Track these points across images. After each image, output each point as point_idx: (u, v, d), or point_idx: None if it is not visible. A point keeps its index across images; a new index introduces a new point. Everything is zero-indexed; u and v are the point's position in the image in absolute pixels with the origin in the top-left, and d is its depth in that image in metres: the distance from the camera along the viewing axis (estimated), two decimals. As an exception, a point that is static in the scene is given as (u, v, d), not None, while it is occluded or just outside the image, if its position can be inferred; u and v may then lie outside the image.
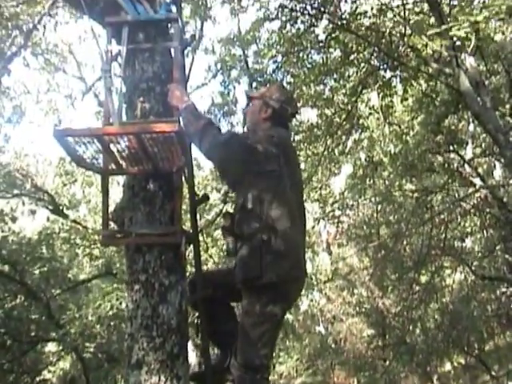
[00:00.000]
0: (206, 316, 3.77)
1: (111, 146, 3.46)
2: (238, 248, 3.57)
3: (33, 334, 13.16)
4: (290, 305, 3.84)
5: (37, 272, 13.16)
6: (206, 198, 4.30)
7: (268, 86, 4.48)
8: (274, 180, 3.55)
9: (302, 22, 11.13)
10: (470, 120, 13.12)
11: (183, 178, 3.84)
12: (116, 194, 11.82)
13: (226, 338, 3.81)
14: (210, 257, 14.18)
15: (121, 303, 11.91)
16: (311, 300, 20.62)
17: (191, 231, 3.95)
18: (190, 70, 11.13)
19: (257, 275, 3.38)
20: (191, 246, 3.87)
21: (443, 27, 6.34)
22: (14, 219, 13.27)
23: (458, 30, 5.66)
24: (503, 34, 11.48)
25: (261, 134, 3.65)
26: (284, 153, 3.65)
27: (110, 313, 12.05)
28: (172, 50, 3.91)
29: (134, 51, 3.90)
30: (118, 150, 3.52)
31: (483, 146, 14.47)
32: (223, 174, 3.82)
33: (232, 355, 3.59)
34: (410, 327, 16.09)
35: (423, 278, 16.22)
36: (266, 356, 3.47)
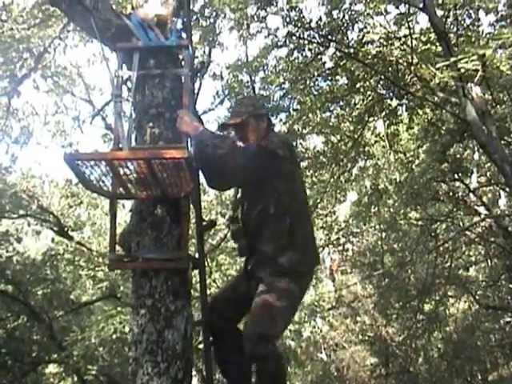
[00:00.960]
0: (216, 345, 3.86)
1: (120, 170, 3.48)
2: (250, 249, 3.82)
3: (34, 354, 13.13)
4: (306, 289, 3.99)
5: (40, 293, 13.16)
6: (212, 224, 4.34)
7: (237, 103, 4.51)
8: (290, 181, 3.79)
9: (310, 49, 11.21)
10: (476, 149, 13.16)
11: (190, 204, 3.86)
12: (122, 216, 11.86)
13: (234, 369, 3.85)
14: (214, 281, 14.16)
15: (124, 326, 11.86)
16: (314, 327, 20.48)
17: (197, 256, 3.96)
18: (198, 95, 11.17)
19: (287, 270, 3.64)
20: (197, 271, 3.89)
21: (451, 60, 6.40)
22: (19, 240, 13.30)
23: (466, 62, 5.71)
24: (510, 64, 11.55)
25: (276, 141, 3.76)
26: (292, 153, 3.92)
27: (113, 336, 11.99)
28: (182, 76, 3.95)
29: (145, 77, 3.95)
30: (126, 175, 3.54)
31: (488, 174, 14.50)
32: (246, 181, 3.83)
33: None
34: (414, 356, 16.02)
35: (427, 307, 16.15)
36: (280, 332, 3.73)
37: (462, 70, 6.29)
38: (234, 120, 3.98)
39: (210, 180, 3.66)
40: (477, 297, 15.83)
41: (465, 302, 17.97)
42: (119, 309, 13.53)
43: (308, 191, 14.27)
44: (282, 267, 3.64)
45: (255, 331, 3.51)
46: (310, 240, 3.89)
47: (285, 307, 3.60)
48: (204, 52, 12.13)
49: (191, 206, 3.87)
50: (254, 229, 3.80)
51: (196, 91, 11.99)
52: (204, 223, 4.09)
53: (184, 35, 4.16)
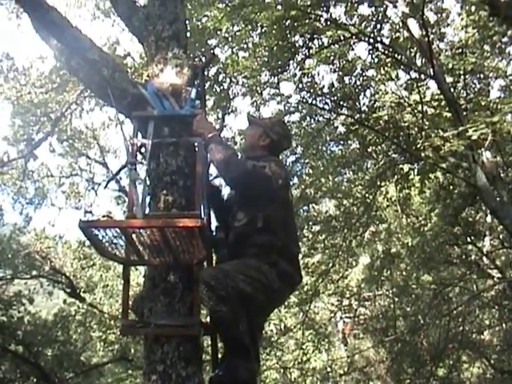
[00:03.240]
0: None
1: (134, 237, 3.53)
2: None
3: (44, 417, 12.99)
4: (282, 297, 4.01)
5: (50, 354, 13.10)
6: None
7: (270, 117, 4.62)
8: (281, 206, 3.84)
9: (322, 115, 11.35)
10: (488, 212, 13.14)
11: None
12: (135, 278, 11.86)
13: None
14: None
15: (134, 390, 11.77)
16: (326, 392, 20.16)
17: (209, 323, 3.97)
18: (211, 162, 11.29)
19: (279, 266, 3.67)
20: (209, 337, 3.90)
21: (460, 129, 6.48)
22: (31, 300, 13.29)
23: (476, 131, 5.79)
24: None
25: (274, 166, 3.83)
26: (288, 182, 4.08)
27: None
28: (196, 145, 4.01)
29: (159, 145, 4.00)
30: (140, 242, 3.59)
31: (501, 237, 14.44)
32: (241, 193, 3.89)
33: None
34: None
35: (441, 372, 15.93)
36: (238, 288, 3.44)
37: (472, 138, 6.35)
38: (254, 120, 4.39)
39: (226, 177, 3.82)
40: (491, 361, 15.61)
41: (479, 367, 17.71)
42: (130, 372, 13.43)
43: (320, 255, 14.29)
44: (265, 259, 3.65)
45: (222, 267, 3.57)
46: (295, 259, 3.91)
47: (258, 277, 3.56)
48: (217, 117, 12.29)
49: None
50: (238, 238, 3.80)
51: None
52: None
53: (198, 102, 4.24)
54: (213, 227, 4.03)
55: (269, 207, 3.74)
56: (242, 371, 3.49)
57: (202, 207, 3.78)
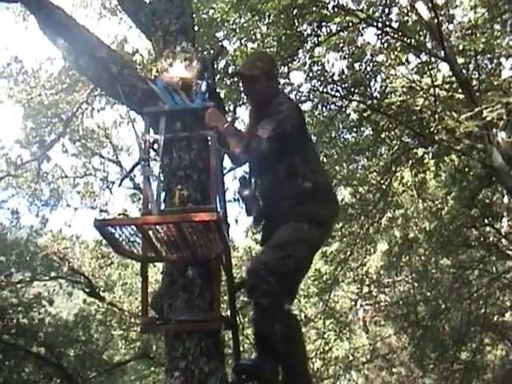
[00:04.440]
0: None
1: (150, 233, 3.51)
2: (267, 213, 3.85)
3: (68, 417, 13.04)
4: (326, 238, 4.29)
5: (72, 354, 13.15)
6: (243, 284, 4.33)
7: (254, 57, 4.52)
8: (301, 145, 3.87)
9: (333, 103, 11.29)
10: (505, 192, 13.05)
11: (221, 265, 3.87)
12: (153, 275, 11.87)
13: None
14: (247, 337, 14.03)
15: (158, 386, 11.79)
16: (349, 380, 20.15)
17: (229, 317, 3.95)
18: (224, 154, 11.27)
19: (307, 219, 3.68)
20: (230, 331, 3.88)
21: (476, 110, 6.41)
22: (51, 302, 13.33)
23: (491, 111, 5.72)
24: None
25: (285, 108, 3.82)
26: (301, 116, 4.07)
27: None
28: (209, 138, 3.98)
29: (172, 140, 3.99)
30: (157, 238, 3.57)
31: (520, 217, 14.36)
32: (264, 161, 3.84)
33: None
34: (453, 407, 15.66)
35: (464, 356, 15.85)
36: (289, 270, 3.56)
37: (487, 119, 6.29)
38: (248, 71, 4.06)
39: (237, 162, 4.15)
40: (514, 343, 15.55)
41: (502, 349, 17.62)
42: (152, 369, 13.45)
43: (338, 244, 14.24)
44: (303, 215, 3.70)
45: (261, 259, 3.58)
46: (326, 191, 3.95)
47: (300, 249, 3.63)
48: (229, 109, 12.24)
49: (221, 266, 3.88)
50: (267, 194, 3.85)
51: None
52: (235, 284, 4.10)
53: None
54: (229, 220, 4.03)
55: (290, 153, 3.76)
56: (267, 370, 3.52)
57: (217, 200, 3.75)
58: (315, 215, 3.72)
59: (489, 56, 11.05)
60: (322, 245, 4.11)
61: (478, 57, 10.36)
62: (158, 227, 3.46)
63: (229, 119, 4.32)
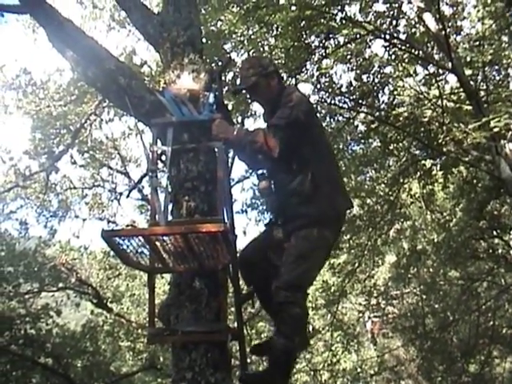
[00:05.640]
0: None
1: (158, 244, 3.51)
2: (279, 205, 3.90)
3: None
4: (338, 233, 4.21)
5: (80, 365, 13.15)
6: (251, 295, 4.32)
7: (244, 66, 4.55)
8: (311, 134, 3.86)
9: (341, 114, 11.30)
10: (513, 204, 13.02)
11: (227, 276, 3.88)
12: (161, 286, 11.86)
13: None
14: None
15: (165, 398, 11.75)
16: (357, 392, 20.06)
17: (236, 328, 3.95)
18: (232, 164, 11.27)
19: (316, 219, 3.73)
20: (237, 342, 3.88)
21: (483, 120, 6.41)
22: (58, 313, 13.34)
23: (499, 121, 5.72)
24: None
25: (294, 98, 3.83)
26: (310, 106, 4.10)
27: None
28: (216, 149, 3.99)
29: (179, 151, 4.00)
30: (164, 249, 3.57)
31: (528, 229, 14.30)
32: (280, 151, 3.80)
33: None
34: (461, 420, 15.58)
35: (472, 368, 15.79)
36: (313, 279, 3.94)
37: (495, 130, 6.28)
38: (246, 84, 4.07)
39: (256, 164, 4.05)
40: (524, 356, 15.46)
41: (510, 362, 17.54)
42: (159, 380, 13.42)
43: (346, 255, 14.23)
44: (310, 217, 3.74)
45: (289, 281, 3.60)
46: (337, 185, 3.97)
47: (317, 256, 3.79)
48: (237, 121, 12.25)
49: (228, 277, 3.88)
50: (279, 185, 3.88)
51: (230, 160, 12.11)
52: (242, 295, 4.11)
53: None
54: (237, 231, 4.04)
55: (302, 142, 3.79)
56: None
57: (224, 212, 3.75)
58: (322, 215, 3.75)
59: (496, 67, 11.05)
60: (335, 241, 4.18)
61: (486, 68, 10.37)
62: (165, 238, 3.46)
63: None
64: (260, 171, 4.03)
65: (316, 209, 3.74)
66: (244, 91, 4.37)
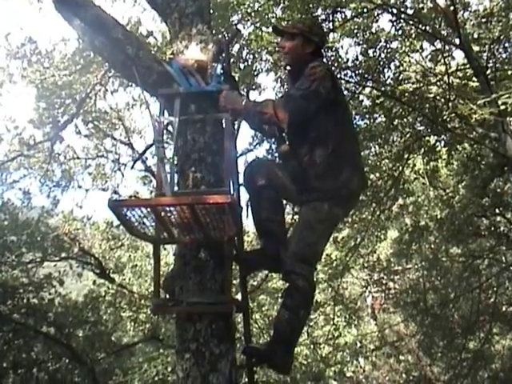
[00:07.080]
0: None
1: (163, 215, 3.51)
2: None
3: (77, 397, 13.10)
4: (349, 211, 4.47)
5: (82, 335, 13.20)
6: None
7: (300, 20, 4.51)
8: (334, 109, 3.85)
9: (347, 89, 11.24)
10: (517, 182, 13.01)
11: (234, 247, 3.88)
12: (164, 258, 11.87)
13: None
14: (255, 322, 14.10)
15: (166, 368, 11.81)
16: (357, 366, 20.20)
17: (241, 300, 3.97)
18: (237, 137, 11.26)
19: (330, 195, 3.77)
20: (241, 314, 3.90)
21: (493, 96, 6.36)
22: (61, 282, 13.37)
23: (508, 97, 5.67)
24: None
25: (318, 70, 3.80)
26: (334, 81, 3.95)
27: (156, 378, 11.94)
28: (223, 121, 3.98)
29: (186, 122, 3.98)
30: (169, 220, 3.57)
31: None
32: (298, 122, 3.82)
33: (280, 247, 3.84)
34: (460, 395, 15.70)
35: (472, 345, 15.87)
36: (320, 252, 3.93)
37: (503, 107, 6.25)
38: (287, 28, 4.16)
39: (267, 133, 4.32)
40: (524, 333, 15.54)
41: (510, 339, 17.62)
42: (161, 351, 13.47)
43: (349, 230, 14.24)
44: (324, 192, 3.77)
45: (296, 252, 3.69)
46: (355, 164, 3.97)
47: (322, 229, 3.84)
48: (242, 94, 12.18)
49: (234, 249, 3.89)
50: (297, 154, 3.90)
51: (235, 133, 12.10)
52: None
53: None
54: (242, 203, 4.06)
55: (322, 117, 3.78)
56: (279, 357, 3.62)
57: (231, 183, 3.75)
58: (335, 193, 3.77)
59: (504, 45, 10.98)
60: (342, 220, 4.29)
61: (493, 45, 10.30)
62: (171, 209, 3.46)
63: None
64: (279, 135, 4.07)
65: (331, 185, 3.77)
66: (277, 33, 4.32)
